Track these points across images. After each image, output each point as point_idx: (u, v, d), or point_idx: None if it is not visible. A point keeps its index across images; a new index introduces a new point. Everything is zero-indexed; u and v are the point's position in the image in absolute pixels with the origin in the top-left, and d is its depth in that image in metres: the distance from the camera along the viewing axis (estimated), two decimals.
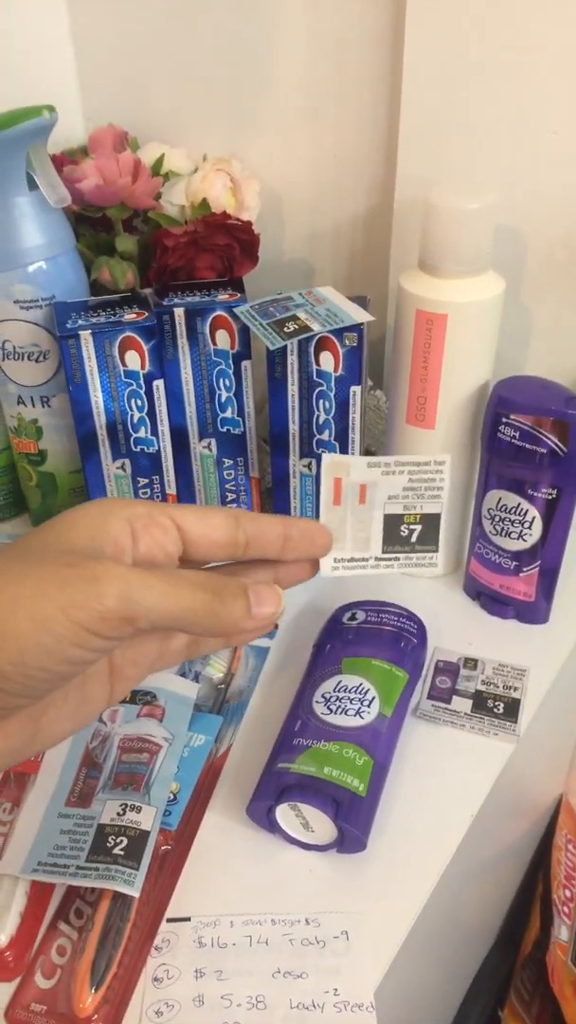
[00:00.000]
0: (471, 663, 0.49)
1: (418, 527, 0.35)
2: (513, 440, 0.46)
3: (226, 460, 0.54)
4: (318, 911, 0.36)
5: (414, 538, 0.35)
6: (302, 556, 0.33)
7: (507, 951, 0.72)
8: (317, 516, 0.34)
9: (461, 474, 0.51)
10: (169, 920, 0.36)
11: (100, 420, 0.50)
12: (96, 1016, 0.32)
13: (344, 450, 0.51)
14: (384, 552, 0.35)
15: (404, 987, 0.42)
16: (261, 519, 0.32)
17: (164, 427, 0.52)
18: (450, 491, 0.35)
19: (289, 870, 0.38)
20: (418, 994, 0.51)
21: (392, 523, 0.35)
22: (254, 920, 0.36)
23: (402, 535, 0.35)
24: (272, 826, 0.39)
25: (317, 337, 0.46)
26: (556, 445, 0.45)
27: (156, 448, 0.52)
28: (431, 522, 0.35)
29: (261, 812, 0.38)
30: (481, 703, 0.47)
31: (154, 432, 0.51)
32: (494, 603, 0.52)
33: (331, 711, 0.41)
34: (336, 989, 0.33)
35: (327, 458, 0.34)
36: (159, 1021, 0.32)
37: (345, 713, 0.41)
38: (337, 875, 0.38)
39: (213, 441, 0.53)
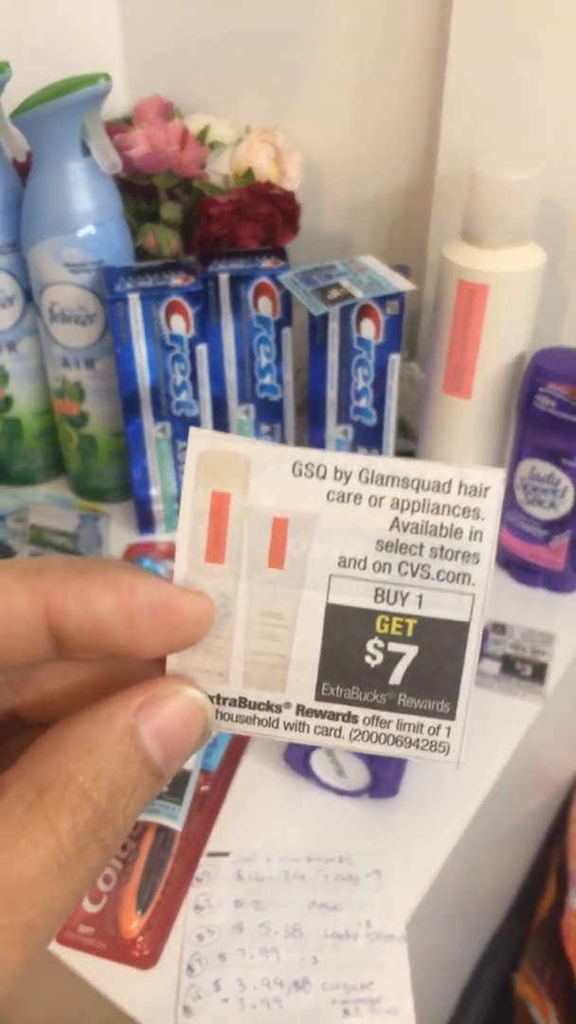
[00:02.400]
0: (499, 628, 0.50)
1: (408, 650, 0.17)
2: (549, 410, 0.47)
3: (263, 426, 0.56)
4: (351, 851, 0.38)
5: (395, 676, 0.17)
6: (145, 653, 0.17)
7: (521, 918, 0.74)
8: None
9: (496, 444, 0.52)
10: (209, 854, 0.38)
11: (144, 383, 0.51)
12: (141, 938, 0.34)
13: (381, 419, 0.52)
14: (321, 697, 0.17)
15: (424, 940, 0.44)
16: (87, 573, 0.16)
17: (205, 391, 0.53)
18: (494, 554, 0.17)
19: (322, 813, 0.40)
20: (435, 952, 0.52)
21: (346, 630, 0.17)
22: (290, 857, 0.37)
23: (368, 664, 0.17)
24: (307, 771, 0.40)
25: (359, 305, 0.47)
26: None
27: (196, 412, 0.53)
28: (442, 644, 0.17)
29: (298, 757, 0.40)
30: (509, 666, 0.48)
31: (195, 396, 0.53)
32: (523, 572, 0.53)
33: None
34: (369, 921, 0.35)
35: (199, 440, 0.17)
36: (200, 945, 0.34)
37: None
38: (369, 819, 0.40)
39: (251, 407, 0.55)
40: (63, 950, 0.34)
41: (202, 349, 0.51)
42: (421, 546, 0.17)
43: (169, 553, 0.56)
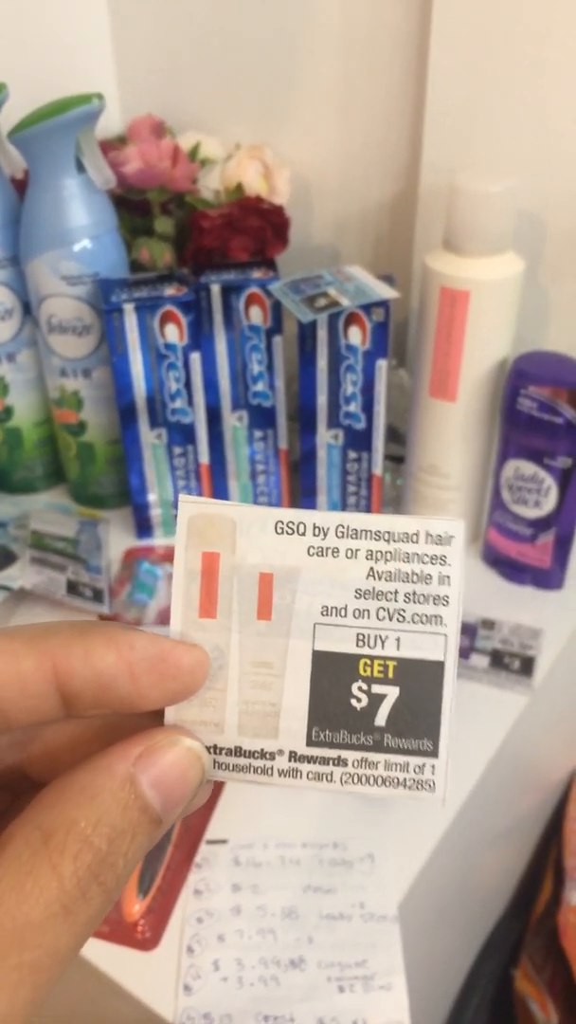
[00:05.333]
0: (488, 624, 0.52)
1: (390, 691, 0.18)
2: (531, 411, 0.48)
3: (256, 432, 0.57)
4: (345, 837, 0.39)
5: (380, 717, 0.18)
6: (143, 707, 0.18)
7: (519, 916, 0.75)
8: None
9: (481, 446, 0.54)
10: (208, 842, 0.39)
11: (140, 391, 0.53)
12: (143, 922, 0.35)
13: (370, 424, 0.54)
14: (312, 743, 0.18)
15: (419, 932, 0.45)
16: (87, 634, 0.18)
17: (199, 399, 0.55)
18: (462, 596, 0.18)
19: (318, 802, 0.41)
20: (432, 945, 0.53)
21: (332, 675, 0.18)
22: (286, 843, 0.39)
23: (354, 707, 0.18)
24: None
25: (346, 312, 0.49)
26: (573, 416, 0.47)
27: (191, 419, 0.55)
28: (420, 683, 0.18)
29: None
30: (498, 660, 0.49)
31: (190, 403, 0.54)
32: (511, 570, 0.55)
33: None
34: (363, 903, 0.36)
35: (189, 505, 0.18)
36: (200, 927, 0.35)
37: None
38: (362, 807, 0.41)
39: (245, 413, 0.56)
40: None
41: (196, 357, 0.53)
42: (396, 592, 0.18)
43: (166, 556, 0.57)
